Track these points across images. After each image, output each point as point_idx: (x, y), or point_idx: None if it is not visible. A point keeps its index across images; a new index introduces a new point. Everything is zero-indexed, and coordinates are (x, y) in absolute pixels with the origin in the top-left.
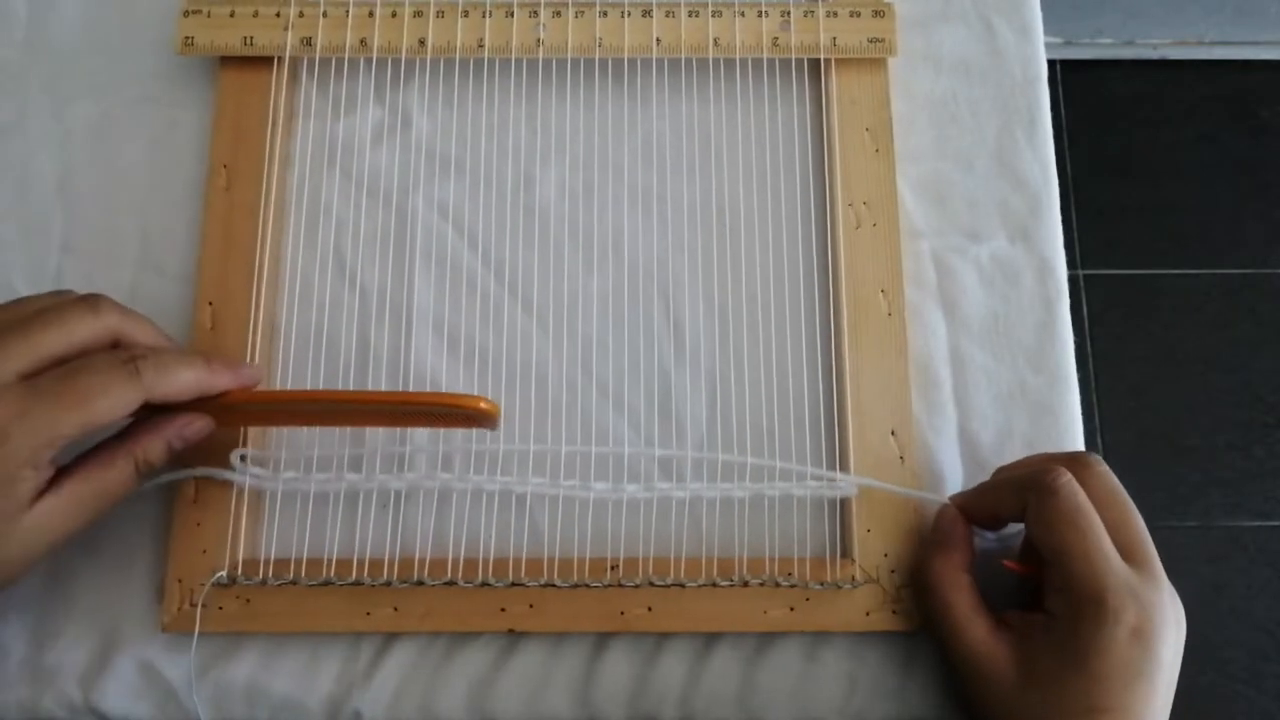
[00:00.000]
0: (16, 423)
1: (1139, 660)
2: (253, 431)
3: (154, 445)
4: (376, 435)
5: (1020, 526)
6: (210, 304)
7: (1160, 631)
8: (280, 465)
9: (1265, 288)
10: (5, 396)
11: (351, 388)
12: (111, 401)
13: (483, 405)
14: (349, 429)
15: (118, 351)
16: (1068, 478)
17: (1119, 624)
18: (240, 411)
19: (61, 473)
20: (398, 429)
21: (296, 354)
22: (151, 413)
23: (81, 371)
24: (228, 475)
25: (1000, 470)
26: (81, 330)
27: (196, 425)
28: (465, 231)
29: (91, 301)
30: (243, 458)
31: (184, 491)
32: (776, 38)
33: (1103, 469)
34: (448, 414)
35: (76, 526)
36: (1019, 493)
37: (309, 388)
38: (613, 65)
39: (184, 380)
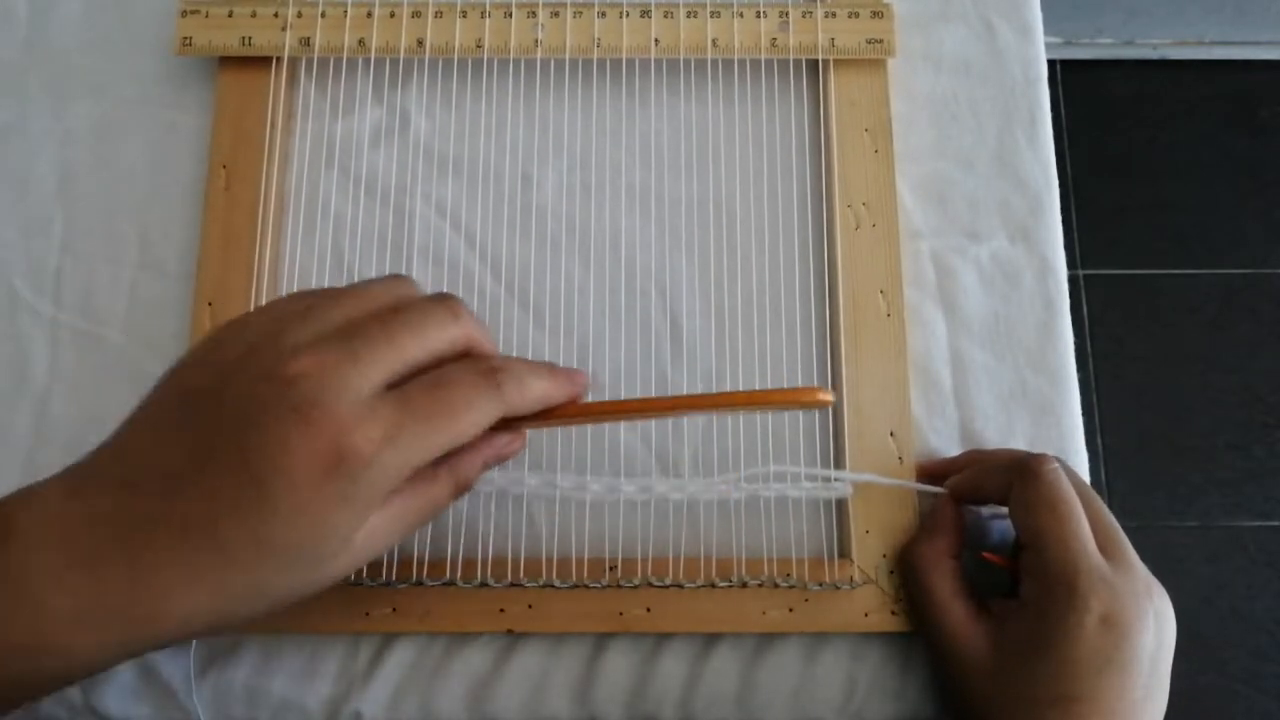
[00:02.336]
0: (388, 446)
1: (1109, 649)
2: None
3: (474, 465)
4: None
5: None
6: (210, 304)
7: (1133, 622)
8: None
9: (1265, 288)
10: (376, 410)
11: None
12: (477, 417)
13: (821, 396)
14: None
15: (478, 363)
16: (1054, 464)
17: (1088, 610)
18: (557, 418)
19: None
20: None
21: None
22: None
23: (449, 386)
24: None
25: (973, 453)
26: (444, 337)
27: (515, 446)
28: (464, 230)
29: (451, 305)
30: None
31: None
32: (775, 38)
33: (1065, 467)
34: (782, 406)
35: (394, 542)
36: (1004, 474)
37: None
38: (611, 66)
39: (537, 393)
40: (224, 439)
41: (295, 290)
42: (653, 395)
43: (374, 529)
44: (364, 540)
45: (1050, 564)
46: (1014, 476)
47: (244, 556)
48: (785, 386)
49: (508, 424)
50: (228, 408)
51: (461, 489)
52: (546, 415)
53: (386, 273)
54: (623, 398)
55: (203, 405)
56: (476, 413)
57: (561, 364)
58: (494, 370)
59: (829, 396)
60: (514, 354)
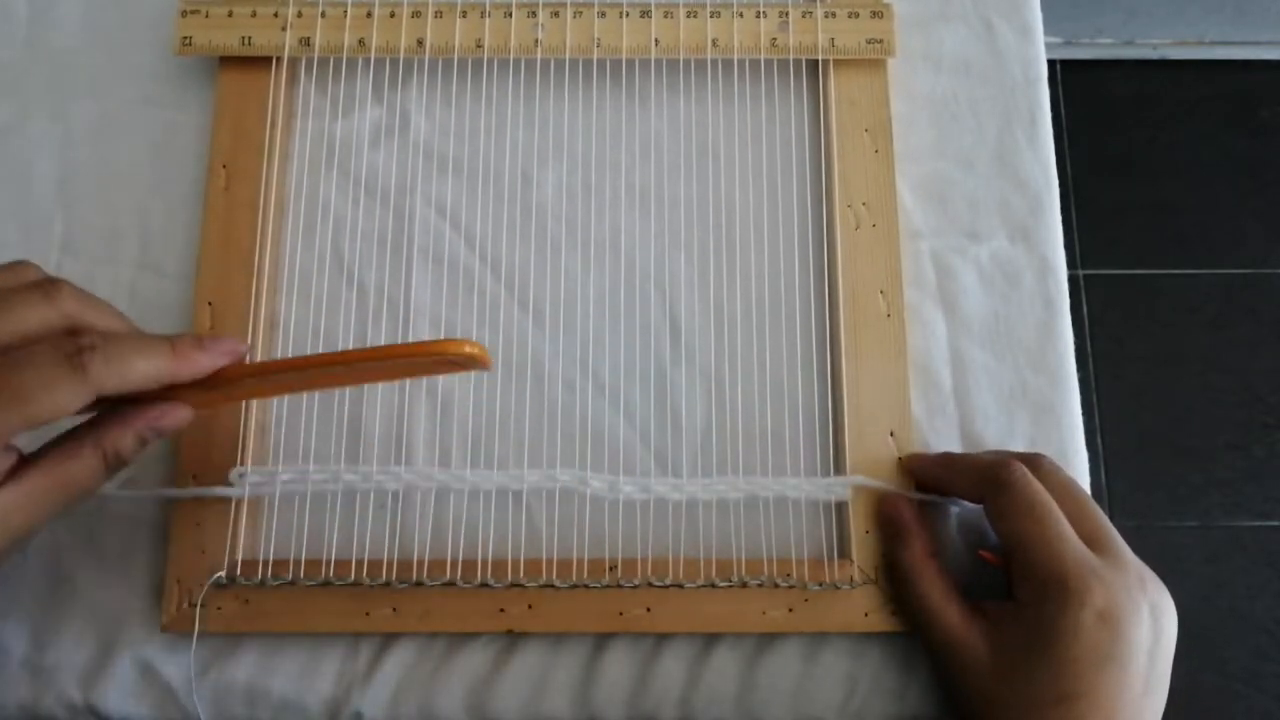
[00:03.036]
0: None
1: (1107, 644)
2: (252, 444)
3: (123, 437)
4: (373, 435)
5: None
6: (210, 304)
7: (1129, 615)
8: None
9: (1265, 288)
10: None
11: (352, 385)
12: (55, 399)
13: (468, 349)
14: (345, 432)
15: (63, 342)
16: (1021, 470)
17: (1084, 606)
18: (224, 390)
19: (25, 462)
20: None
21: (295, 352)
22: (122, 401)
23: (21, 366)
24: (226, 492)
25: (948, 455)
26: (32, 318)
27: (171, 416)
28: (463, 230)
29: (46, 287)
30: (241, 476)
31: None
32: (775, 38)
33: (1052, 465)
34: (438, 362)
35: (37, 519)
36: (975, 483)
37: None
38: (611, 66)
39: (141, 371)
40: None
41: (278, 289)
42: (312, 355)
43: (5, 503)
44: None
45: (1037, 566)
46: (985, 489)
47: None
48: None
49: (170, 394)
50: None
51: (115, 462)
52: (205, 386)
53: (387, 272)
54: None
55: None
56: (55, 394)
57: (561, 362)
58: (80, 350)
59: (473, 350)
60: (512, 352)
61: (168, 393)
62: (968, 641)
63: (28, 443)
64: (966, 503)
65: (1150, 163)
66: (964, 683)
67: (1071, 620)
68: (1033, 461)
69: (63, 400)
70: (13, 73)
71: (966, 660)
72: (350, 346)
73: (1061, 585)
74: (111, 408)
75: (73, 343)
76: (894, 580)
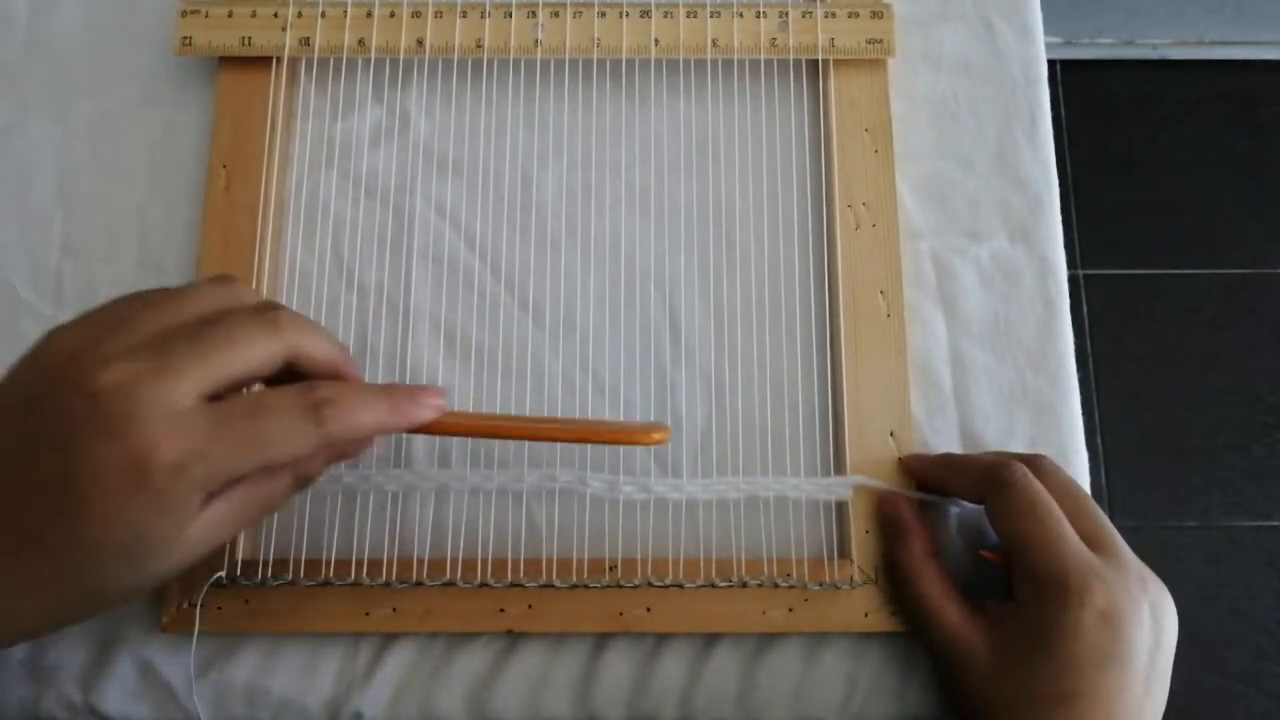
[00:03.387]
0: (196, 460)
1: (1108, 643)
2: None
3: (315, 461)
4: None
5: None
6: None
7: (1130, 615)
8: None
9: (1265, 288)
10: (187, 426)
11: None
12: (291, 448)
13: (655, 436)
14: None
15: (304, 394)
16: (1021, 470)
17: (1085, 606)
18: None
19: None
20: None
21: None
22: None
23: (263, 414)
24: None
25: (948, 455)
26: (259, 352)
27: (362, 445)
28: (463, 231)
29: (271, 316)
30: None
31: None
32: (775, 38)
33: (1052, 465)
34: (624, 442)
35: (233, 534)
36: (976, 483)
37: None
38: (611, 66)
39: (364, 425)
40: (40, 450)
41: (278, 289)
42: (514, 416)
43: (212, 519)
44: (198, 534)
45: (1038, 566)
46: (985, 489)
47: (71, 563)
48: (626, 422)
49: None
50: (47, 420)
51: (303, 482)
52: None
53: (387, 272)
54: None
55: (21, 418)
56: (291, 445)
57: (561, 362)
58: (319, 404)
59: (660, 436)
60: (512, 352)
61: None
62: (968, 641)
63: None
64: (966, 503)
65: (1150, 163)
66: (964, 682)
67: (1072, 620)
68: (1033, 462)
69: (298, 449)
70: (13, 73)
71: (967, 660)
72: (350, 347)
73: (1062, 585)
74: None
75: (312, 397)
76: (894, 580)
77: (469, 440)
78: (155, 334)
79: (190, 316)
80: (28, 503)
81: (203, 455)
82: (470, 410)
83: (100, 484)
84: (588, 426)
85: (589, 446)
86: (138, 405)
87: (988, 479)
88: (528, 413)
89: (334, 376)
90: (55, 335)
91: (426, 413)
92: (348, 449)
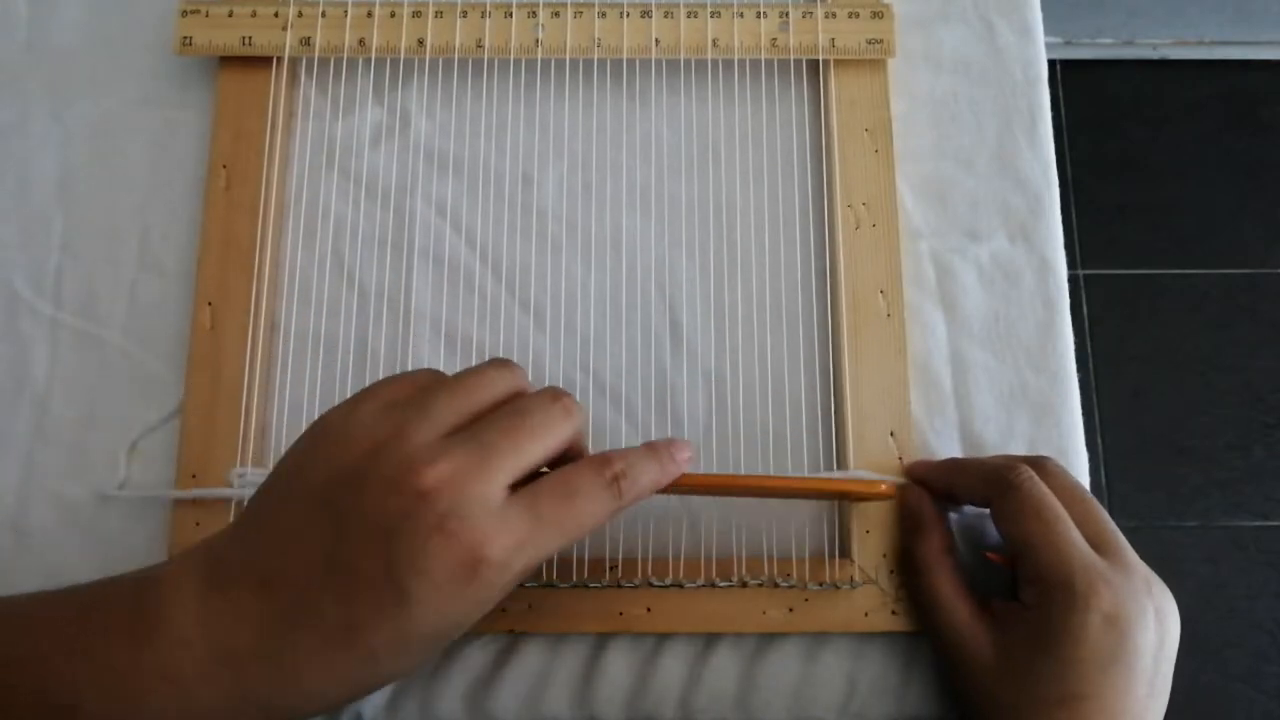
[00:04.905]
0: (520, 550)
1: (1113, 646)
2: (252, 444)
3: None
4: None
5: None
6: (210, 304)
7: (1135, 618)
8: None
9: (1265, 288)
10: (512, 519)
11: (350, 386)
12: (594, 521)
13: (883, 489)
14: None
15: (602, 470)
16: (1029, 473)
17: (1090, 609)
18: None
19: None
20: None
21: (295, 353)
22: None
23: (578, 496)
24: (226, 494)
25: (953, 459)
26: (561, 438)
27: None
28: (464, 231)
29: (565, 404)
30: (241, 476)
31: None
32: (775, 38)
33: (1058, 468)
34: (856, 497)
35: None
36: (982, 486)
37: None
38: (611, 66)
39: (647, 489)
40: (363, 547)
41: (278, 289)
42: (741, 474)
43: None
44: (493, 602)
45: (1044, 568)
46: (991, 491)
47: (385, 655)
48: (857, 479)
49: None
50: (366, 516)
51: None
52: None
53: (388, 272)
54: (713, 471)
55: (334, 508)
56: (597, 520)
57: (562, 362)
58: (617, 478)
59: (888, 490)
60: (512, 352)
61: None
62: (975, 639)
63: None
64: (966, 509)
65: (1150, 163)
66: (969, 681)
67: (1077, 622)
68: (1038, 464)
69: (599, 519)
70: (13, 73)
71: (972, 659)
72: (351, 347)
73: (1068, 588)
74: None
75: (609, 470)
76: (908, 572)
77: None
78: (460, 421)
79: (487, 402)
80: (343, 597)
81: (526, 545)
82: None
83: (431, 582)
84: (819, 483)
85: (589, 442)
86: (466, 502)
87: (993, 481)
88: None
89: (579, 446)
90: (345, 421)
91: (684, 466)
92: None
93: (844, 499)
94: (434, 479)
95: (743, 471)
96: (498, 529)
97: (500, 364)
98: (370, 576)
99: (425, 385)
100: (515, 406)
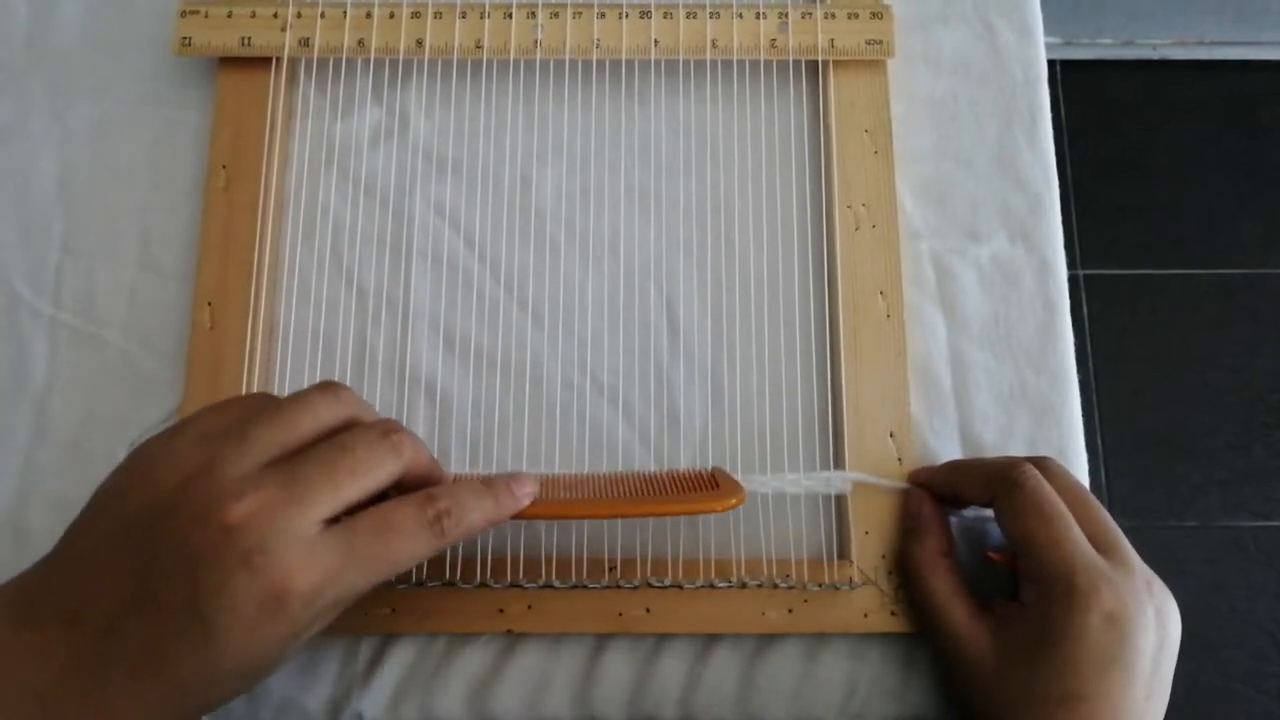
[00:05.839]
0: (329, 585)
1: (1114, 647)
2: None
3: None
4: None
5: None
6: (209, 304)
7: (1136, 619)
8: None
9: (1265, 288)
10: (320, 554)
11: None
12: (411, 559)
13: (733, 503)
14: None
15: (424, 507)
16: (1031, 471)
17: (1091, 609)
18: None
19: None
20: None
21: (294, 353)
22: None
23: (394, 533)
24: None
25: (956, 461)
26: (383, 476)
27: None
28: (463, 231)
29: (394, 441)
30: None
31: None
32: (774, 39)
33: (1059, 468)
34: (700, 512)
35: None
36: (985, 485)
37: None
38: (610, 66)
39: (476, 526)
40: (168, 579)
41: (277, 289)
42: (591, 499)
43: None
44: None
45: (1046, 567)
46: (995, 489)
47: (194, 687)
48: (700, 496)
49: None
50: (170, 548)
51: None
52: None
53: (387, 273)
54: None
55: (142, 540)
56: (417, 557)
57: (560, 363)
58: (440, 517)
59: (739, 501)
60: (511, 352)
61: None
62: (974, 639)
63: None
64: (966, 513)
65: (1150, 163)
66: (968, 682)
67: (1078, 622)
68: (1039, 464)
69: (418, 557)
70: (13, 73)
71: (971, 659)
72: (350, 347)
73: (1069, 587)
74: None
75: (432, 509)
76: (905, 574)
77: (468, 440)
78: (279, 454)
79: (308, 433)
80: (150, 629)
81: (336, 580)
82: (468, 414)
83: (235, 616)
84: (664, 505)
85: (588, 447)
86: (273, 538)
87: (997, 480)
88: (526, 414)
89: (421, 474)
90: (161, 450)
91: (524, 501)
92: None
93: (690, 514)
94: (241, 513)
95: (740, 472)
96: (305, 563)
97: (329, 390)
98: (176, 609)
99: (247, 415)
100: (339, 441)
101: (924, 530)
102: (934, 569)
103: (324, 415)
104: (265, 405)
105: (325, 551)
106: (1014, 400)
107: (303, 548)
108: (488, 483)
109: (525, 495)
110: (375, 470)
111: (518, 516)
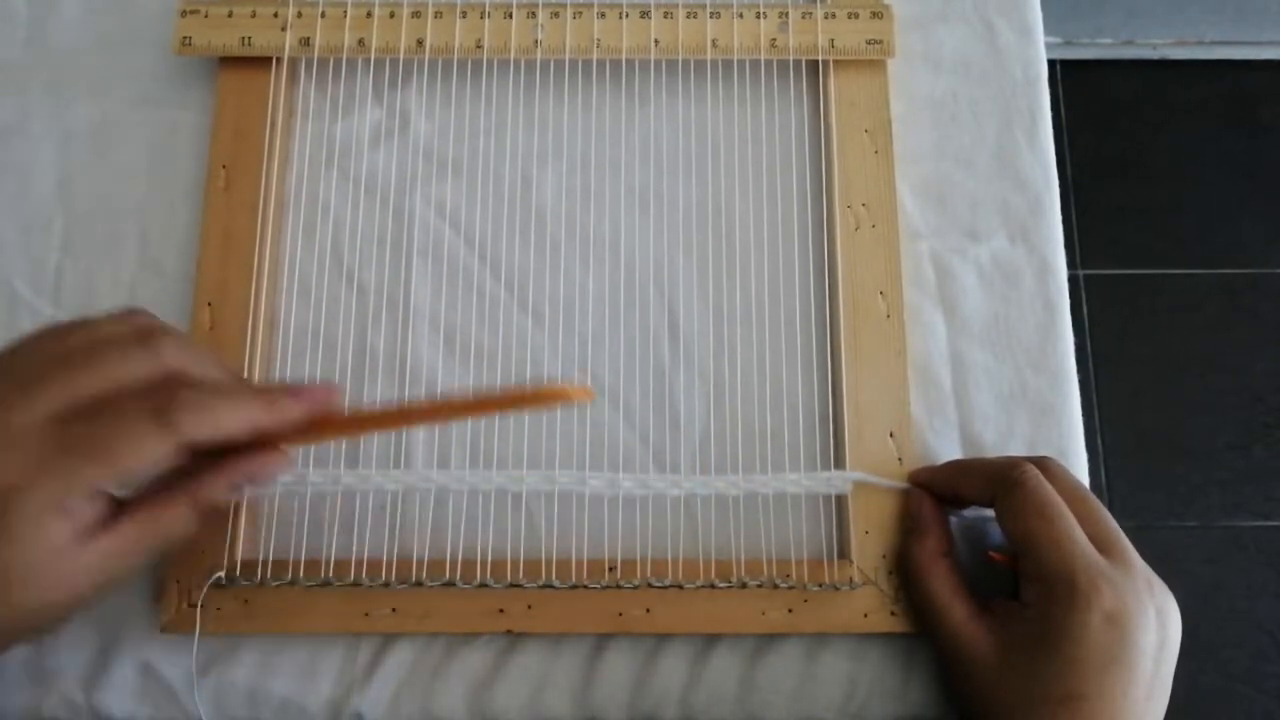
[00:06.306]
0: (34, 473)
1: (1115, 646)
2: None
3: (216, 485)
4: (373, 437)
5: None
6: (209, 304)
7: (1136, 618)
8: None
9: (1265, 288)
10: (25, 443)
11: (349, 385)
12: (141, 452)
13: (573, 395)
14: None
15: (151, 394)
16: (1032, 471)
17: (1091, 608)
18: (316, 434)
19: (121, 510)
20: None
21: (295, 353)
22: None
23: (107, 419)
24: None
25: (956, 461)
26: (129, 370)
27: (266, 465)
28: (463, 231)
29: (148, 338)
30: None
31: None
32: (774, 39)
33: (1060, 467)
34: (540, 406)
35: (130, 566)
36: (986, 484)
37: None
38: (611, 66)
39: (229, 422)
40: None
41: (277, 289)
42: (411, 401)
43: (101, 551)
44: (87, 567)
45: (1046, 566)
46: (996, 489)
47: None
48: (539, 385)
49: (267, 440)
50: None
51: (208, 509)
52: (304, 432)
53: (387, 272)
54: (411, 403)
55: None
56: (141, 448)
57: (561, 362)
58: (168, 403)
59: (581, 394)
60: (511, 352)
61: (264, 439)
62: (974, 639)
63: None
64: (966, 513)
65: (1150, 163)
66: (969, 680)
67: (1079, 621)
68: (1040, 464)
69: (149, 453)
70: (13, 73)
71: (971, 659)
72: (350, 347)
73: (1070, 586)
74: (208, 457)
75: (161, 395)
76: (905, 574)
77: (468, 441)
78: (42, 360)
79: (67, 347)
80: None
81: (43, 471)
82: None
83: None
84: (497, 397)
85: (588, 447)
86: None
87: (998, 479)
88: (524, 415)
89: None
90: None
91: (308, 407)
92: (250, 473)
93: (531, 407)
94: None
95: (740, 472)
96: (3, 454)
97: (123, 312)
98: None
99: (41, 330)
100: (90, 341)
101: (924, 530)
102: (934, 569)
103: (99, 331)
104: (60, 324)
105: (31, 440)
106: (1014, 400)
107: (8, 435)
108: (264, 387)
109: (313, 400)
110: (113, 362)
111: (324, 431)
